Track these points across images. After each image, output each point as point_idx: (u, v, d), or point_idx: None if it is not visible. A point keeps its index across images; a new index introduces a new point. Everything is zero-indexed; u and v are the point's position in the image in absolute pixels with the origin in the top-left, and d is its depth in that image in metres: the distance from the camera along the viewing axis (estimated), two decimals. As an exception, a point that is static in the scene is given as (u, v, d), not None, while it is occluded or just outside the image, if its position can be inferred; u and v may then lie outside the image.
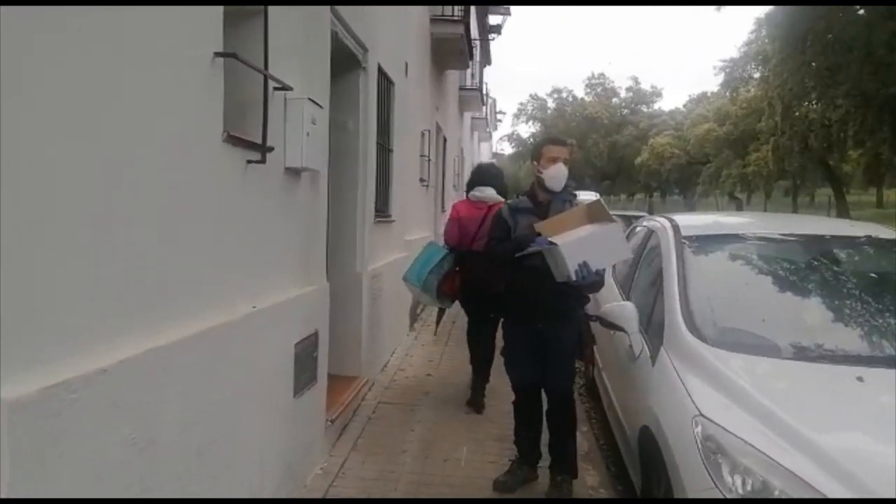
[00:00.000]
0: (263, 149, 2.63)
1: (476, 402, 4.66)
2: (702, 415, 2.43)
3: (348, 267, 4.56)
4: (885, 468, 2.03)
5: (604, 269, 3.20)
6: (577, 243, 3.05)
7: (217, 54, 2.29)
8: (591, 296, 3.58)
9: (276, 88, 2.85)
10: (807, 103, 23.30)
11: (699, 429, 2.39)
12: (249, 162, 2.60)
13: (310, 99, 3.09)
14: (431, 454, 3.80)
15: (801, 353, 2.76)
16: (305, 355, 3.25)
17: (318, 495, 3.28)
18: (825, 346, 2.80)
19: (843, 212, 28.41)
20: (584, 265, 2.99)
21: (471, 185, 4.82)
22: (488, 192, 4.60)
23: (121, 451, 1.75)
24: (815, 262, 3.42)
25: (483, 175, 4.80)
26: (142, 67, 1.86)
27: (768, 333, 2.90)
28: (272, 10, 2.79)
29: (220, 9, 2.32)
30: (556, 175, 3.33)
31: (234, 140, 2.45)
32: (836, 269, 3.39)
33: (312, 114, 3.11)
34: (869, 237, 3.62)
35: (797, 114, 23.81)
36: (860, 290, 3.15)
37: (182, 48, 2.09)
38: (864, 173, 24.15)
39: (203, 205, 2.26)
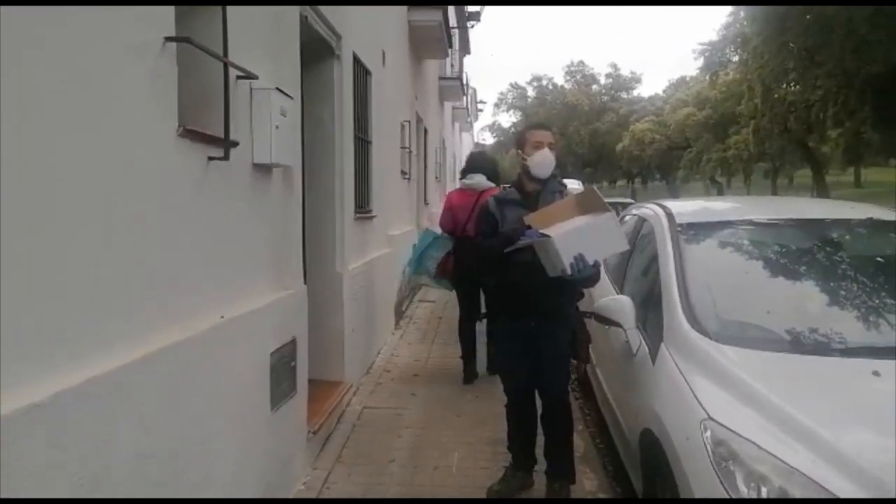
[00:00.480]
0: (226, 144, 2.40)
1: (469, 375, 4.97)
2: (710, 418, 2.26)
3: (328, 267, 4.34)
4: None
5: (599, 262, 3.01)
6: (571, 235, 2.85)
7: (168, 39, 2.05)
8: (584, 291, 3.38)
9: (239, 77, 2.61)
10: (786, 85, 23.33)
11: (708, 434, 2.22)
12: (211, 159, 2.37)
13: (278, 89, 2.85)
14: (421, 462, 3.60)
15: (811, 347, 2.59)
16: (282, 365, 3.03)
17: (301, 513, 3.08)
18: (835, 338, 2.63)
19: (822, 192, 28.62)
20: (580, 258, 2.79)
21: (463, 174, 4.99)
22: (477, 179, 4.67)
23: (63, 495, 1.52)
24: (818, 248, 3.25)
25: (473, 163, 4.95)
26: (75, 54, 1.62)
27: (774, 326, 2.73)
28: (233, -8, 2.55)
29: (170, -11, 2.08)
30: (541, 161, 3.11)
31: (191, 135, 2.21)
32: (840, 254, 3.22)
33: (282, 105, 2.88)
34: (871, 219, 3.47)
35: (776, 96, 23.84)
36: (867, 277, 2.99)
37: (126, 32, 1.85)
38: (843, 153, 24.28)
39: (157, 208, 2.03)
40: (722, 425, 2.21)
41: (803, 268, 3.16)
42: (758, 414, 2.21)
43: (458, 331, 5.19)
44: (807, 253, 3.25)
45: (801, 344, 2.61)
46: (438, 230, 5.21)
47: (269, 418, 2.88)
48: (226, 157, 2.39)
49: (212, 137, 2.36)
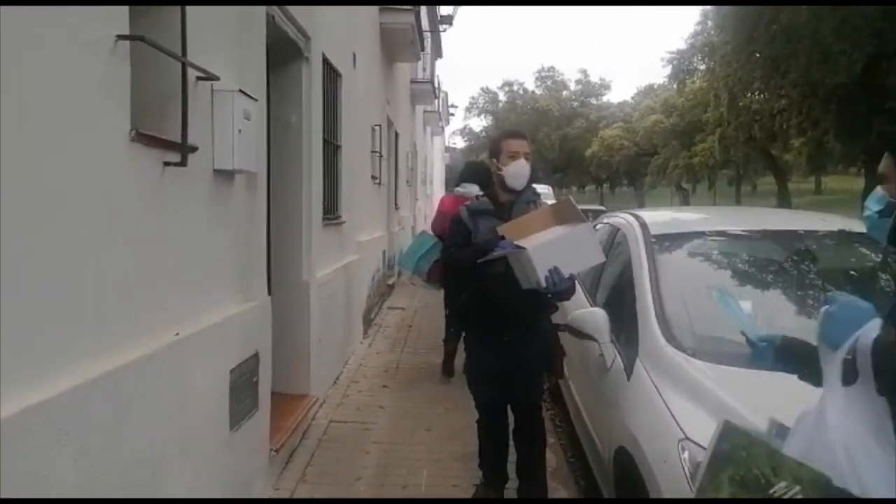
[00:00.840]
0: (184, 149, 2.25)
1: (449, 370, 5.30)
2: (688, 438, 2.19)
3: (293, 276, 4.18)
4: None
5: (575, 275, 2.92)
6: (547, 246, 2.76)
7: (120, 37, 1.91)
8: (559, 304, 3.30)
9: (199, 78, 2.47)
10: (751, 94, 23.77)
11: (686, 454, 2.15)
12: (167, 164, 2.22)
13: (241, 91, 2.71)
14: (388, 481, 3.48)
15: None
16: (243, 382, 2.88)
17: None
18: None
19: (784, 199, 29.26)
20: (555, 270, 2.70)
21: (457, 182, 5.22)
22: (471, 189, 4.80)
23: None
24: (792, 261, 3.23)
25: (467, 172, 5.13)
26: (11, 50, 1.47)
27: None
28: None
29: (122, -17, 1.94)
30: (517, 172, 3.01)
31: (145, 139, 2.07)
32: (814, 267, 3.20)
33: (245, 108, 2.74)
34: (842, 231, 3.46)
35: (742, 104, 24.27)
36: (843, 290, 2.97)
37: (72, 28, 1.71)
38: (807, 162, 24.84)
39: (105, 218, 1.88)
40: (700, 446, 2.13)
41: (778, 281, 3.13)
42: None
43: (445, 326, 5.54)
44: (782, 266, 3.22)
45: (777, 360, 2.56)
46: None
47: (228, 439, 2.73)
48: (183, 163, 2.24)
49: (168, 142, 2.22)
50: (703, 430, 2.18)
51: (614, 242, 3.90)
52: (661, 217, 4.14)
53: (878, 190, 1.59)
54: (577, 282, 4.31)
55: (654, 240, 3.33)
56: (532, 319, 3.02)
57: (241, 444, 2.90)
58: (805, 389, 2.37)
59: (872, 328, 1.18)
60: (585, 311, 3.23)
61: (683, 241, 3.44)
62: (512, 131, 3.34)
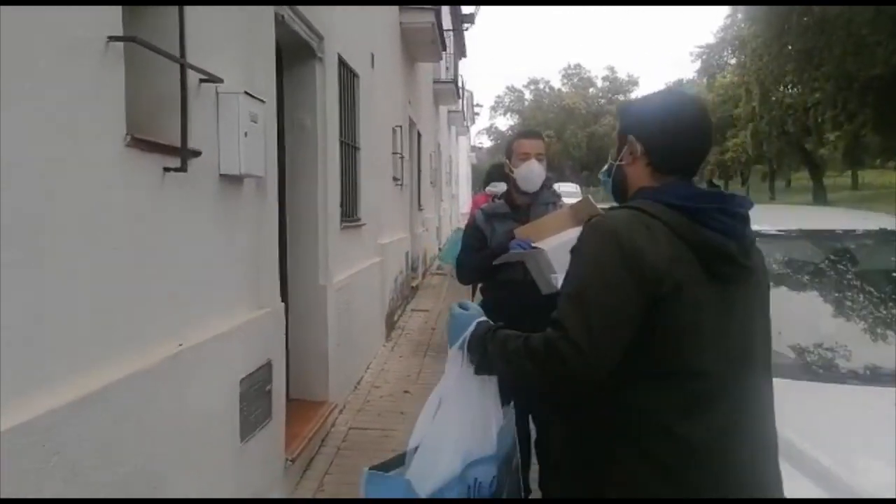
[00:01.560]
0: (184, 153, 2.17)
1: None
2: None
3: (310, 281, 4.10)
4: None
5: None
6: (565, 246, 2.60)
7: (112, 38, 1.83)
8: None
9: (202, 80, 2.40)
10: (784, 87, 23.20)
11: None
12: (167, 170, 2.15)
13: (247, 93, 2.63)
14: (407, 491, 3.37)
15: (828, 373, 2.38)
16: (255, 391, 2.81)
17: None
18: (853, 362, 2.42)
19: (820, 194, 28.50)
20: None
21: (485, 182, 5.54)
22: (500, 186, 4.88)
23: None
24: (832, 263, 3.03)
25: (494, 172, 5.29)
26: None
27: (786, 350, 2.51)
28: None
29: (115, -18, 1.86)
30: (527, 174, 2.86)
31: (141, 144, 1.99)
32: (855, 269, 3.00)
33: (251, 110, 2.66)
34: (883, 230, 3.25)
35: (774, 98, 23.71)
36: (886, 294, 2.78)
37: (61, 29, 1.64)
38: (843, 156, 24.14)
39: (100, 226, 1.81)
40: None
41: (816, 285, 2.94)
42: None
43: None
44: (819, 268, 3.02)
45: (816, 370, 2.40)
46: None
47: (239, 450, 2.65)
48: (183, 169, 2.17)
49: (168, 147, 2.14)
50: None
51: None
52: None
53: None
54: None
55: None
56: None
57: (254, 454, 2.82)
58: (842, 401, 2.22)
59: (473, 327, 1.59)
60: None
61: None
62: (525, 131, 3.19)
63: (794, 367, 2.41)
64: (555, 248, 2.60)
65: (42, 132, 1.58)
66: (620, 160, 1.53)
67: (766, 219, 3.76)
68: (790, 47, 18.89)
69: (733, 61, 30.18)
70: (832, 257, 3.04)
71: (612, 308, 1.30)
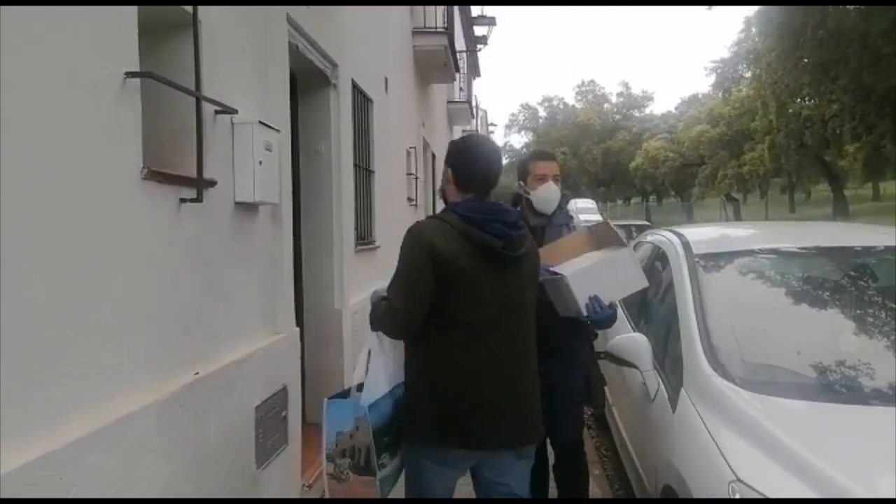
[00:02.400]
0: (199, 184, 2.21)
1: None
2: (739, 479, 2.00)
3: (325, 305, 4.13)
4: None
5: (616, 303, 2.75)
6: (586, 273, 2.60)
7: (130, 74, 1.88)
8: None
9: (218, 112, 2.44)
10: (801, 100, 23.02)
11: (738, 497, 1.97)
12: (183, 200, 2.18)
13: (261, 122, 2.68)
14: (425, 516, 3.35)
15: (851, 395, 2.33)
16: (271, 417, 2.82)
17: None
18: (877, 383, 2.37)
19: (840, 206, 28.11)
20: (595, 298, 2.54)
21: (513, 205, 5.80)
22: None
23: None
24: (852, 280, 2.99)
25: (518, 199, 5.53)
26: (19, 91, 1.45)
27: (807, 370, 2.47)
28: (213, 22, 2.39)
29: (133, 18, 1.92)
30: (546, 196, 2.86)
31: (159, 177, 2.03)
32: (875, 286, 2.96)
33: (266, 139, 2.71)
34: (905, 246, 3.20)
35: (791, 111, 23.52)
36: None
37: (79, 67, 1.68)
38: (863, 168, 23.83)
39: (118, 258, 1.84)
40: (752, 488, 1.95)
41: (836, 303, 2.90)
42: (792, 475, 1.95)
43: None
44: (838, 286, 2.98)
45: (839, 391, 2.35)
46: None
47: (255, 477, 2.66)
48: (199, 199, 2.20)
49: (184, 178, 2.18)
50: (757, 471, 2.01)
51: (655, 263, 3.72)
52: (705, 234, 3.92)
53: None
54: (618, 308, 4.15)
55: (697, 259, 3.14)
56: (568, 349, 2.86)
57: (271, 481, 2.82)
58: (866, 423, 2.18)
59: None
60: (626, 337, 3.06)
61: (729, 261, 3.23)
62: (539, 152, 3.19)
63: (815, 388, 2.37)
64: (574, 274, 2.60)
65: (62, 167, 1.62)
66: (444, 183, 2.26)
67: (785, 237, 3.73)
68: (805, 60, 18.79)
69: (748, 75, 30.04)
70: (852, 274, 3.00)
71: (416, 285, 2.04)
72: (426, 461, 2.15)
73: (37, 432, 1.50)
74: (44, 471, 1.48)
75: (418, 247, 2.03)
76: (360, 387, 2.22)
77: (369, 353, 2.26)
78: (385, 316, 2.14)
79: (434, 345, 2.09)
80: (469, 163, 2.19)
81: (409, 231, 2.11)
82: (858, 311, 2.80)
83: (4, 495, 1.35)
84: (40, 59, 1.54)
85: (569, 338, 2.83)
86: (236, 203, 2.60)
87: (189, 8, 2.20)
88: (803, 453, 1.99)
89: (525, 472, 2.28)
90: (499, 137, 67.15)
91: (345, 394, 2.33)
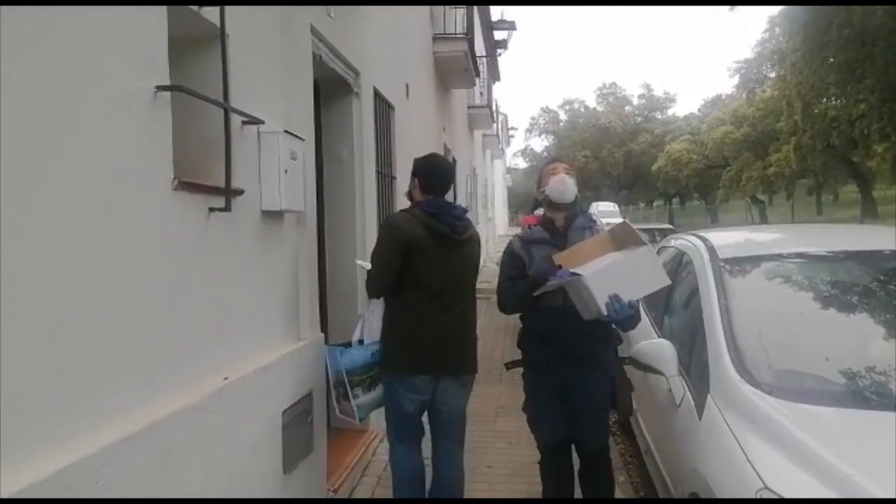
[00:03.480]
0: (227, 193, 2.26)
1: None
2: (767, 487, 1.98)
3: (350, 311, 4.16)
4: None
5: (638, 301, 2.73)
6: (605, 272, 2.60)
7: (160, 88, 1.93)
8: (622, 335, 3.10)
9: (245, 122, 2.49)
10: (827, 100, 22.62)
11: (766, 505, 1.95)
12: (212, 210, 2.23)
13: (286, 131, 2.72)
14: (449, 522, 3.36)
15: (881, 401, 2.29)
16: (297, 423, 2.85)
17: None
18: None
19: (869, 208, 27.54)
20: (615, 297, 2.54)
21: (534, 207, 6.02)
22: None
23: None
24: (880, 284, 2.94)
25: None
26: (55, 106, 1.50)
27: (836, 377, 2.44)
28: (240, 35, 2.44)
29: (163, 33, 1.97)
30: (558, 185, 2.89)
31: (189, 187, 2.08)
32: (905, 291, 2.90)
33: (291, 148, 2.75)
34: (936, 249, 3.13)
35: (817, 111, 23.12)
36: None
37: (112, 81, 1.73)
38: (892, 168, 23.32)
39: (150, 267, 1.88)
40: (780, 496, 1.93)
41: (865, 307, 2.86)
42: (821, 483, 1.93)
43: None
44: (867, 290, 2.94)
45: (868, 398, 2.32)
46: None
47: (283, 482, 2.70)
48: (227, 208, 2.24)
49: (212, 188, 2.23)
50: (785, 479, 1.99)
51: (680, 268, 3.70)
52: (730, 238, 3.89)
53: None
54: (642, 309, 4.12)
55: (722, 264, 3.12)
56: (593, 354, 2.86)
57: (297, 485, 2.85)
58: (887, 428, 2.14)
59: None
60: (650, 343, 3.04)
61: (756, 265, 3.20)
62: (551, 158, 3.35)
63: (844, 394, 2.34)
64: (594, 274, 2.59)
65: (97, 179, 1.67)
66: (412, 187, 3.05)
67: (812, 240, 3.68)
68: (831, 59, 18.47)
69: (773, 75, 29.60)
70: (881, 278, 2.96)
71: (387, 259, 2.83)
72: (400, 389, 2.91)
73: (73, 438, 1.55)
74: (80, 475, 1.52)
75: (390, 231, 2.85)
76: (360, 342, 3.06)
77: (363, 319, 3.11)
78: (368, 280, 2.94)
79: (402, 301, 2.87)
80: (431, 173, 3.00)
81: (385, 220, 3.09)
82: (888, 316, 2.76)
83: (46, 498, 1.39)
84: (76, 74, 1.59)
85: (593, 344, 2.83)
86: (263, 211, 2.65)
87: (217, 21, 2.24)
88: (832, 461, 1.97)
89: (465, 396, 3.12)
90: (519, 141, 66.86)
91: (347, 344, 3.09)
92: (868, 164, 27.64)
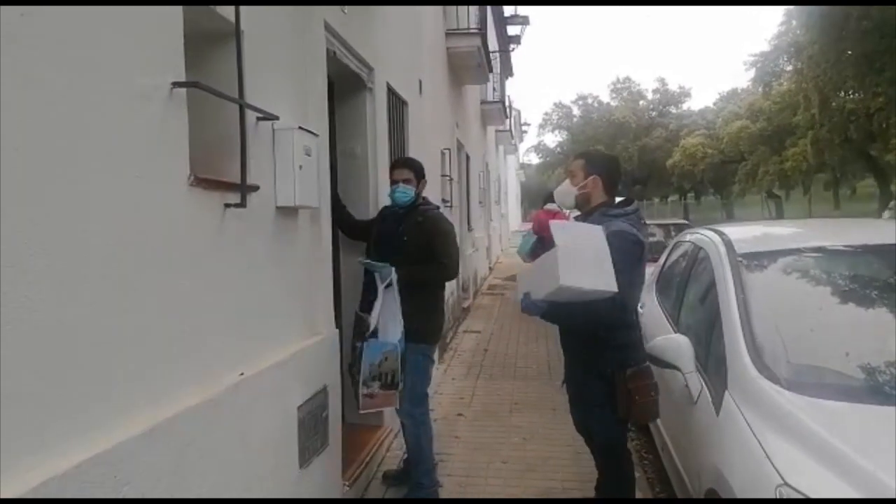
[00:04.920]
0: (243, 189, 2.26)
1: None
2: (786, 483, 1.97)
3: (363, 306, 4.16)
4: None
5: (543, 299, 2.53)
6: (526, 275, 2.76)
7: (176, 84, 1.93)
8: (643, 333, 3.02)
9: (259, 119, 2.50)
10: (844, 93, 22.33)
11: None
12: (228, 206, 2.24)
13: (301, 127, 2.72)
14: (464, 517, 3.37)
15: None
16: (312, 417, 2.86)
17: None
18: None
19: (887, 203, 27.15)
20: (526, 295, 2.60)
21: (544, 202, 7.82)
22: (555, 206, 6.39)
23: None
24: (901, 279, 2.90)
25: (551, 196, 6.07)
26: (70, 103, 1.51)
27: (855, 372, 2.41)
28: (255, 32, 2.44)
29: (179, 29, 1.97)
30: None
31: (205, 183, 2.08)
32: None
33: (305, 144, 2.75)
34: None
35: (835, 105, 22.82)
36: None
37: (128, 78, 1.74)
38: (912, 161, 23.03)
39: (166, 263, 1.89)
40: (800, 492, 1.92)
41: (885, 302, 2.82)
42: (841, 479, 1.91)
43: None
44: (887, 285, 2.90)
45: (889, 393, 2.28)
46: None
47: (298, 476, 2.71)
48: (242, 204, 2.25)
49: (228, 184, 2.23)
50: (804, 475, 1.97)
51: (696, 262, 3.66)
52: (748, 233, 3.85)
53: None
54: (658, 303, 4.08)
55: (740, 259, 3.09)
56: (587, 356, 2.81)
57: (312, 480, 2.87)
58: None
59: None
60: (666, 338, 3.02)
61: (773, 260, 3.17)
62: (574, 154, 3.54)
63: (864, 390, 2.31)
64: (521, 277, 2.78)
65: (113, 174, 1.67)
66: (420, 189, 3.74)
67: (830, 234, 3.63)
68: (849, 52, 18.22)
69: (789, 68, 29.22)
70: (902, 273, 2.91)
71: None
72: (427, 358, 3.57)
73: (92, 432, 1.56)
74: (100, 469, 1.53)
75: (453, 229, 3.77)
76: (374, 332, 3.21)
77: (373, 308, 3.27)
78: (448, 270, 3.63)
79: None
80: None
81: (446, 220, 3.86)
82: (910, 311, 2.72)
83: (66, 492, 1.41)
84: (93, 71, 1.60)
85: (589, 345, 2.79)
86: (277, 207, 2.65)
87: (232, 18, 2.25)
88: (852, 457, 1.95)
89: None
90: (532, 137, 66.53)
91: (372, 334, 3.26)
92: (886, 158, 27.25)
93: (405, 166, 3.71)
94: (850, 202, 37.18)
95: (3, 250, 1.31)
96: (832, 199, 36.73)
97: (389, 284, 3.28)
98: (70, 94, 1.51)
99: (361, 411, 3.31)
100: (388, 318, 3.22)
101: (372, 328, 3.20)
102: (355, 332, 3.38)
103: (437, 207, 3.94)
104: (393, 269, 3.30)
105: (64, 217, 1.49)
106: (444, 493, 3.64)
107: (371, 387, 3.16)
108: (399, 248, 3.48)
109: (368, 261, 3.47)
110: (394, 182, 3.65)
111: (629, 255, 2.60)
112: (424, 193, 3.83)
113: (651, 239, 8.79)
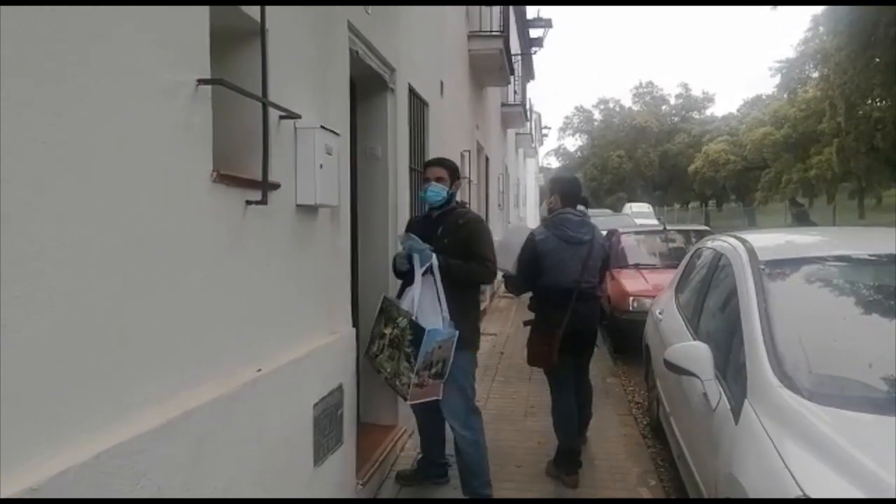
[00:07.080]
0: (264, 187, 2.28)
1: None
2: (807, 496, 1.93)
3: (380, 305, 4.17)
4: None
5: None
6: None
7: (201, 81, 1.95)
8: (647, 331, 3.09)
9: (282, 117, 2.51)
10: (870, 101, 21.99)
11: (805, 512, 1.90)
12: (249, 203, 2.25)
13: (322, 126, 2.74)
14: (477, 519, 3.35)
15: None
16: (327, 416, 2.87)
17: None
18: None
19: (914, 213, 26.70)
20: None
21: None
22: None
23: (66, 585, 1.38)
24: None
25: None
26: (98, 98, 1.53)
27: (879, 383, 2.36)
28: (280, 31, 2.46)
29: (205, 27, 1.99)
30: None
31: (227, 180, 2.10)
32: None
33: (327, 143, 2.76)
34: None
35: (861, 113, 22.49)
36: None
37: (154, 74, 1.76)
38: (940, 172, 22.63)
39: (188, 259, 1.91)
40: (819, 504, 1.88)
41: (911, 313, 2.76)
42: (861, 492, 1.87)
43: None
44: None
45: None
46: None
47: (313, 474, 2.72)
48: (264, 202, 2.27)
49: (250, 181, 2.25)
50: (824, 487, 1.93)
51: (718, 270, 3.62)
52: (771, 241, 3.80)
53: None
54: (677, 308, 4.04)
55: (763, 266, 3.04)
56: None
57: (327, 478, 2.88)
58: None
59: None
60: (686, 345, 2.99)
61: (796, 268, 3.12)
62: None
63: (887, 401, 2.26)
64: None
65: (139, 171, 1.70)
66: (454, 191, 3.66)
67: (855, 243, 3.57)
68: (877, 59, 17.92)
69: (815, 75, 28.85)
70: (930, 284, 2.85)
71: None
72: (473, 360, 3.52)
73: (111, 424, 1.58)
74: (118, 460, 1.55)
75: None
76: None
77: (410, 296, 3.29)
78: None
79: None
80: None
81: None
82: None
83: (80, 483, 1.42)
84: (120, 67, 1.62)
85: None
86: (298, 205, 2.67)
87: (257, 17, 2.27)
88: (873, 469, 1.91)
89: None
90: (552, 140, 66.39)
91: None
92: (914, 167, 26.77)
93: (440, 165, 3.60)
94: (875, 212, 36.53)
95: (31, 243, 1.33)
96: (857, 208, 36.14)
97: (428, 270, 3.21)
98: (97, 90, 1.54)
99: (409, 402, 3.20)
100: (427, 306, 3.16)
101: (413, 314, 3.16)
102: (382, 316, 3.38)
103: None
104: (434, 254, 3.24)
105: (89, 211, 1.51)
106: (455, 495, 3.63)
107: (422, 376, 3.07)
108: (439, 250, 3.33)
109: (413, 237, 3.31)
110: (426, 180, 3.54)
111: (523, 249, 3.94)
112: None
113: (671, 245, 8.76)
